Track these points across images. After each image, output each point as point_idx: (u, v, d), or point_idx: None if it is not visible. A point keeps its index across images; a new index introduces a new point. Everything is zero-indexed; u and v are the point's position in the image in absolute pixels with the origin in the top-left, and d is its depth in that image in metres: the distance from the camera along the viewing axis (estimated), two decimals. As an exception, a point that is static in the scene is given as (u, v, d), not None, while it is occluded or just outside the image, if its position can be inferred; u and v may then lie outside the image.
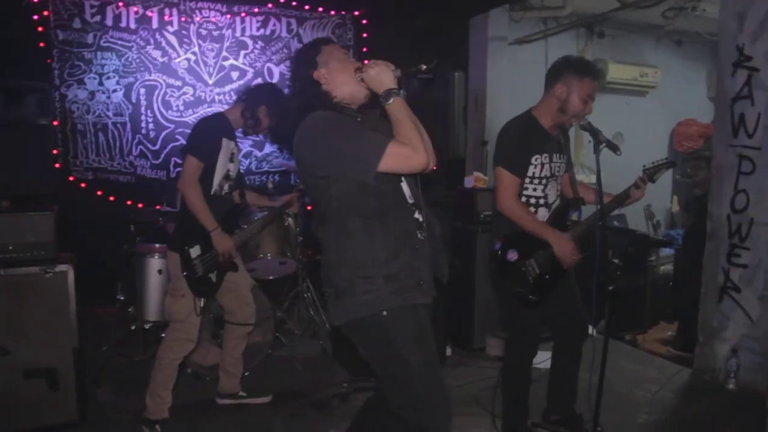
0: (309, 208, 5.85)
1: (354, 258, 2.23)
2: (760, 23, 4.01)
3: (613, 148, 2.94)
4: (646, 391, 4.17)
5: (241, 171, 3.96)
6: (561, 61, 3.24)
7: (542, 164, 3.19)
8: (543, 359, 4.15)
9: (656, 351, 5.32)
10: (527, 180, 3.19)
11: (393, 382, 2.31)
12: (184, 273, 3.41)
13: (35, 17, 5.43)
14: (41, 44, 5.48)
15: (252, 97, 3.59)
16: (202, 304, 3.53)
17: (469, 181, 5.16)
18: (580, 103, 3.11)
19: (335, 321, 2.32)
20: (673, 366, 4.68)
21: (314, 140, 2.22)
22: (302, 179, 2.40)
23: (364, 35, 6.66)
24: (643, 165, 3.39)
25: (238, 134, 3.65)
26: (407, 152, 2.14)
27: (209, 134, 3.46)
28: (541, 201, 3.24)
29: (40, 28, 5.45)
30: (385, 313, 2.21)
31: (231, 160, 3.57)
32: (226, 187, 3.57)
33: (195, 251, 3.45)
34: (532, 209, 3.22)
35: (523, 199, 3.21)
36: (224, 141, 3.48)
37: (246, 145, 6.25)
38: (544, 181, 3.21)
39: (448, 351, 4.77)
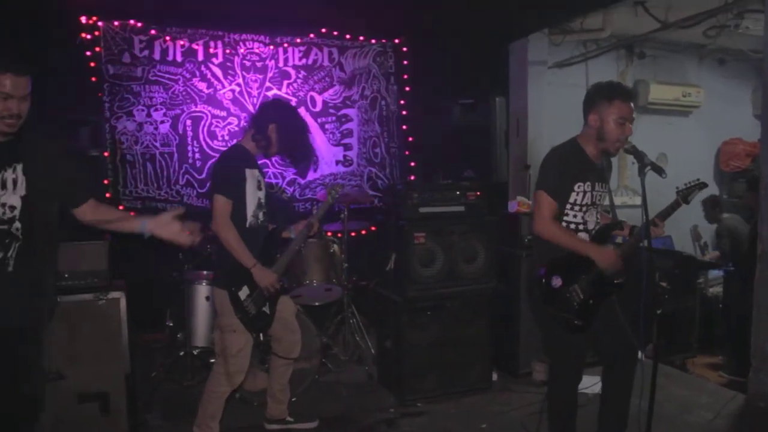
0: (353, 234, 5.88)
1: None
2: (806, 41, 3.96)
3: (658, 170, 2.92)
4: (698, 417, 4.08)
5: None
6: (590, 90, 3.24)
7: (584, 192, 3.17)
8: (591, 384, 4.10)
9: (706, 376, 5.20)
10: (568, 206, 3.18)
11: None
12: (238, 315, 3.41)
13: (88, 53, 5.63)
14: (93, 78, 5.67)
15: (260, 116, 3.53)
16: (262, 338, 3.56)
17: (512, 206, 5.15)
18: (616, 128, 3.09)
19: None
20: (726, 391, 4.56)
21: None
22: None
23: (405, 62, 6.73)
24: (676, 187, 3.31)
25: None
26: None
27: (230, 169, 3.42)
28: (581, 227, 3.22)
29: (92, 64, 5.64)
30: None
31: (259, 188, 3.53)
32: (260, 215, 3.55)
33: (243, 292, 3.44)
34: None
35: (563, 224, 3.19)
36: (247, 171, 3.44)
37: (290, 173, 6.34)
38: (584, 209, 3.20)
39: (494, 376, 4.73)
